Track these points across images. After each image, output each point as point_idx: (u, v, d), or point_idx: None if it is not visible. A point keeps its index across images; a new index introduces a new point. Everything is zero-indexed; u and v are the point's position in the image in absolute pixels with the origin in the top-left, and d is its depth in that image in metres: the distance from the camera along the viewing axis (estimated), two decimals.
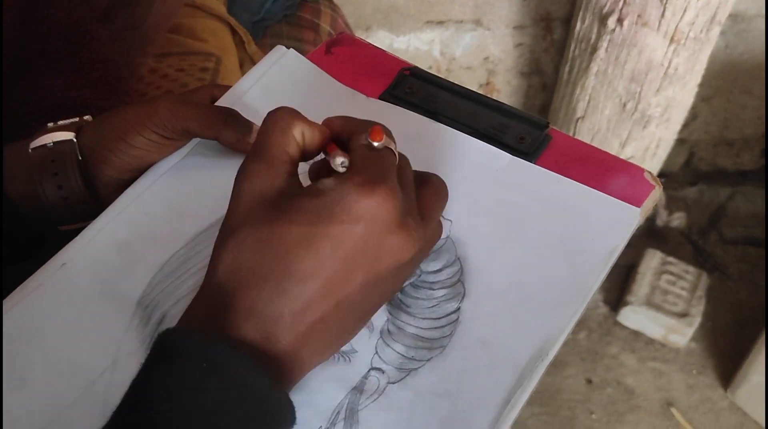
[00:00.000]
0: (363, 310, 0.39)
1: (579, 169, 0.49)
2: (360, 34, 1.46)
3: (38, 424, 0.42)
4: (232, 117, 0.50)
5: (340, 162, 0.38)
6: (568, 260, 0.45)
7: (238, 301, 0.36)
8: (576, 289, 0.44)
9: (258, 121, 0.53)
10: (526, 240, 0.47)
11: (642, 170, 0.49)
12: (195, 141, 0.53)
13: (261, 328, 0.36)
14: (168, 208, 0.50)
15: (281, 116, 0.40)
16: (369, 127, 0.39)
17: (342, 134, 0.41)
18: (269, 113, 0.40)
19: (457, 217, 0.48)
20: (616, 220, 0.46)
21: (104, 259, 0.48)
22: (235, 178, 0.39)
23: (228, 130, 0.50)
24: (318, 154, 0.42)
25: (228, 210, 0.39)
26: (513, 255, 0.46)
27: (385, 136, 0.39)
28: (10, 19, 0.70)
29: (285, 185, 0.38)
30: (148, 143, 0.50)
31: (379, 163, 0.38)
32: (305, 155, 0.41)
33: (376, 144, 0.39)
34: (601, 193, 0.48)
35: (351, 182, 0.36)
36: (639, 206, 0.47)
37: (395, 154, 0.40)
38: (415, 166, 0.52)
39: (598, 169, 0.49)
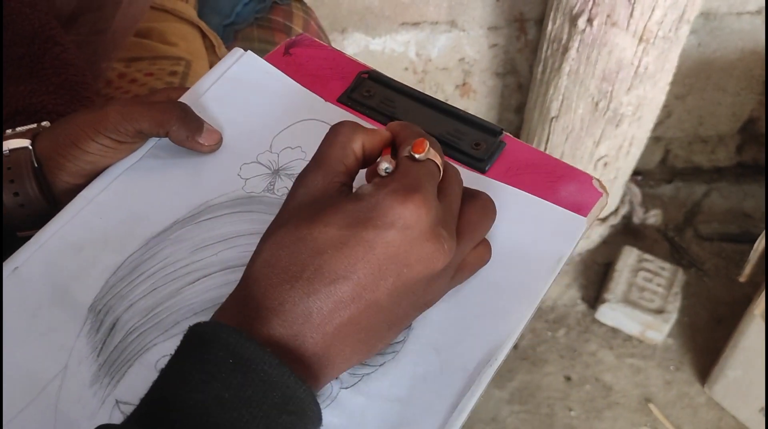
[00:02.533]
0: (393, 316, 0.39)
1: (530, 175, 0.50)
2: (335, 36, 1.47)
3: None
4: (182, 112, 0.51)
5: (384, 167, 0.40)
6: (517, 268, 0.46)
7: (269, 297, 0.37)
8: (524, 296, 0.45)
9: (216, 123, 0.53)
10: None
11: (590, 178, 0.50)
12: (150, 143, 0.53)
13: (290, 326, 0.37)
14: (122, 211, 0.50)
15: (342, 131, 0.42)
16: (414, 139, 0.41)
17: (397, 140, 0.43)
18: (331, 128, 0.42)
19: None
20: (563, 229, 0.47)
21: (57, 263, 0.48)
22: (294, 182, 0.41)
23: (178, 127, 0.50)
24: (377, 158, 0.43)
25: (279, 210, 0.41)
26: None
27: (428, 148, 0.40)
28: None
29: (336, 191, 0.40)
30: (101, 148, 0.50)
31: (416, 173, 0.39)
32: (367, 162, 0.43)
33: (417, 156, 0.40)
34: (548, 202, 0.49)
35: (387, 189, 0.38)
36: (587, 213, 0.48)
37: (438, 167, 0.41)
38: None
39: (548, 177, 0.50)
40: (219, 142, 0.52)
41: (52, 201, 0.51)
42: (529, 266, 0.46)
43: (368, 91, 0.55)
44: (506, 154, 0.52)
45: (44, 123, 0.53)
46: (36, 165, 0.50)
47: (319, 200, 0.39)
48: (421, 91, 0.55)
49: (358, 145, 0.42)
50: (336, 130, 0.42)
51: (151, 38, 0.90)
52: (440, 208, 0.39)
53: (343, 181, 0.41)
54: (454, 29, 1.49)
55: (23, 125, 0.53)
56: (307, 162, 0.51)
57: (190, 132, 0.51)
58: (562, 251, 0.46)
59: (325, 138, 0.42)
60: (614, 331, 1.56)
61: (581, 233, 0.47)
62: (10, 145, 0.50)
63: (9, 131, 0.52)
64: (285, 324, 0.37)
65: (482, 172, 0.51)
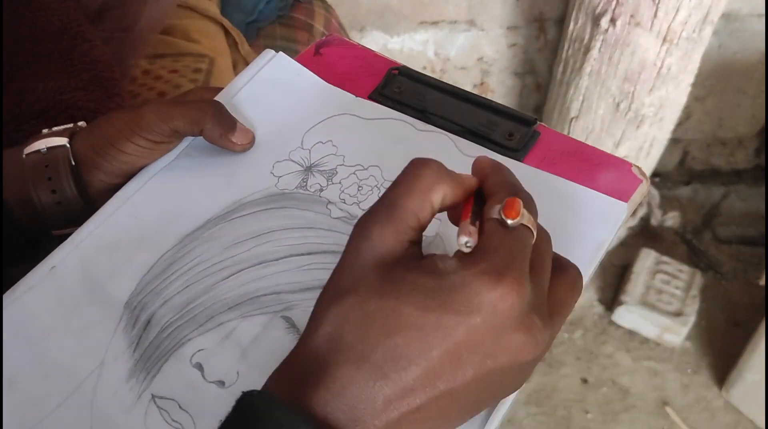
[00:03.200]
0: (469, 406, 0.35)
1: (567, 164, 0.50)
2: (354, 35, 1.46)
3: (25, 426, 0.42)
4: (216, 111, 0.51)
5: (464, 242, 0.34)
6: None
7: (331, 376, 0.33)
8: None
9: (248, 123, 0.54)
10: None
11: (629, 165, 0.49)
12: (185, 143, 0.53)
13: (350, 411, 0.32)
14: (157, 210, 0.50)
15: (424, 176, 0.36)
16: (507, 196, 0.35)
17: (485, 187, 0.37)
18: (409, 168, 0.36)
19: (446, 215, 0.48)
20: (603, 215, 0.47)
21: (93, 262, 0.48)
22: (353, 231, 0.35)
23: (212, 125, 0.50)
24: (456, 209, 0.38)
25: (339, 266, 0.35)
26: None
27: (522, 210, 0.34)
28: (1, 21, 0.70)
29: (405, 253, 0.34)
30: (137, 149, 0.51)
31: (509, 249, 0.33)
32: (442, 210, 0.37)
33: (510, 222, 0.34)
34: (587, 188, 0.48)
35: (475, 269, 0.32)
36: (627, 201, 0.47)
37: (532, 233, 0.35)
38: (399, 170, 0.52)
39: (586, 165, 0.50)
40: (252, 141, 0.52)
41: (88, 200, 0.51)
42: (570, 254, 0.45)
43: (399, 87, 0.55)
44: (541, 144, 0.51)
45: (81, 123, 0.53)
46: (73, 163, 0.51)
47: (389, 264, 0.34)
48: (451, 83, 0.54)
49: (438, 197, 0.36)
50: (417, 173, 0.36)
51: (174, 35, 0.90)
52: (533, 291, 0.33)
53: (413, 238, 0.35)
54: (473, 28, 1.49)
55: (55, 122, 0.54)
56: (339, 156, 0.52)
57: (223, 130, 0.51)
58: (603, 237, 0.46)
59: (399, 180, 0.36)
60: (631, 334, 1.55)
61: (623, 219, 0.47)
62: (48, 143, 0.51)
63: (45, 130, 0.52)
64: (346, 408, 0.32)
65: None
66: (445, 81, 0.55)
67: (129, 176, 0.52)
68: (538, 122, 0.52)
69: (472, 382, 0.33)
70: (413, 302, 0.32)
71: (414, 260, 0.34)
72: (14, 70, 0.69)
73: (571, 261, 0.42)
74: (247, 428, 0.32)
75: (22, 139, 0.55)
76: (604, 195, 0.48)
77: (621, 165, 0.49)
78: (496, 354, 0.33)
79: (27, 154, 0.51)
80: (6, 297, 0.47)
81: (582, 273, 0.44)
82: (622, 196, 0.48)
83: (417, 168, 0.36)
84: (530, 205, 0.36)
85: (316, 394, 0.32)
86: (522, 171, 0.49)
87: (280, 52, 0.58)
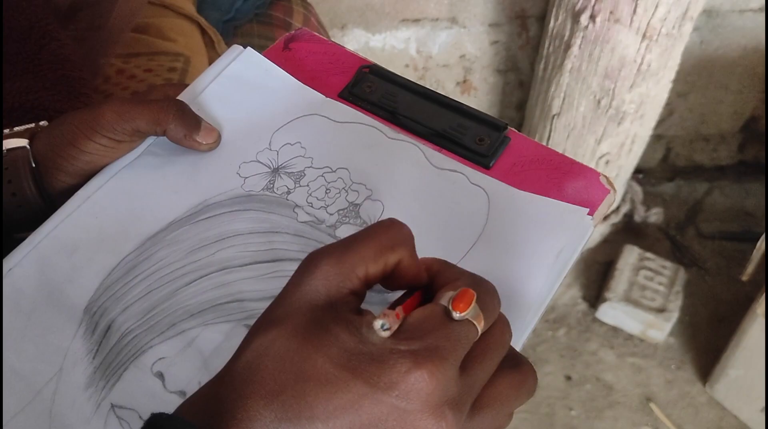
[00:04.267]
0: None
1: (536, 172, 0.49)
2: (335, 33, 1.46)
3: None
4: (179, 111, 0.50)
5: (380, 325, 0.32)
6: (518, 269, 0.45)
7: (240, 407, 0.32)
8: (529, 298, 0.43)
9: (215, 121, 0.52)
10: (479, 251, 0.46)
11: (597, 174, 0.49)
12: (148, 140, 0.52)
13: None
14: (118, 211, 0.49)
15: (390, 231, 0.35)
16: (462, 285, 0.34)
17: (438, 280, 0.36)
18: (383, 221, 0.35)
19: (413, 225, 0.47)
20: (569, 227, 0.46)
21: (51, 264, 0.47)
22: (303, 260, 0.35)
23: (175, 125, 0.49)
24: (402, 289, 0.37)
25: (279, 294, 0.34)
26: (465, 264, 0.45)
27: (473, 305, 0.33)
28: None
29: (342, 300, 0.33)
30: (98, 147, 0.49)
31: (442, 337, 0.32)
32: (390, 283, 0.36)
33: (456, 315, 0.32)
34: (553, 199, 0.47)
35: (401, 345, 0.31)
36: (594, 210, 0.47)
37: (476, 330, 0.33)
38: (367, 174, 0.50)
39: (555, 173, 0.49)
40: (217, 140, 0.51)
41: (50, 201, 0.50)
42: (530, 265, 0.45)
43: (369, 86, 0.54)
44: (511, 150, 0.51)
45: (42, 123, 0.52)
46: (33, 165, 0.49)
47: (322, 307, 0.33)
48: (423, 85, 0.54)
49: (394, 258, 0.35)
50: (385, 228, 0.35)
51: (149, 34, 0.89)
52: (458, 385, 0.32)
53: (356, 288, 0.34)
54: (455, 26, 1.48)
55: (19, 123, 0.52)
56: (307, 158, 0.51)
57: (187, 130, 0.50)
58: (561, 243, 0.45)
59: (367, 229, 0.35)
60: (615, 330, 1.55)
61: (589, 231, 0.46)
62: (7, 144, 0.50)
63: (6, 131, 0.51)
64: None
65: (486, 167, 0.50)
66: (425, 80, 0.55)
67: (90, 176, 0.51)
68: (509, 128, 0.51)
69: None
70: (330, 356, 0.31)
71: (347, 312, 0.33)
72: None
73: (537, 276, 0.42)
74: None
75: None
76: (565, 204, 0.47)
77: (589, 174, 0.49)
78: None
79: None
80: None
81: (550, 285, 0.44)
82: (589, 205, 0.47)
83: (389, 222, 0.35)
84: (487, 298, 0.34)
85: (226, 423, 0.32)
86: (486, 183, 0.49)
87: (248, 48, 0.56)
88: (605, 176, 0.48)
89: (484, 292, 0.34)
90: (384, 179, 0.49)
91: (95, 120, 0.49)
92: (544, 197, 0.48)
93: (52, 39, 0.68)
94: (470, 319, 0.33)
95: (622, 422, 1.44)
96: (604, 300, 1.52)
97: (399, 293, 0.37)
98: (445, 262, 0.37)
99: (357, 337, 0.32)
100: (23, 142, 0.50)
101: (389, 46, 1.49)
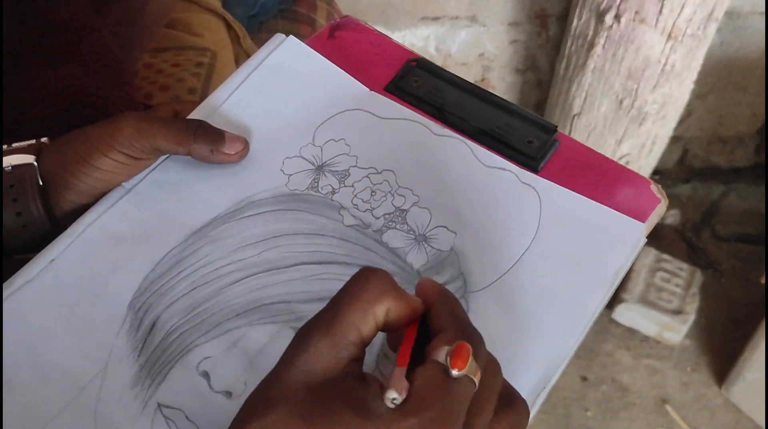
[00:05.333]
0: None
1: (586, 177, 0.48)
2: None
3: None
4: (201, 129, 0.48)
5: (391, 398, 0.31)
6: (573, 281, 0.44)
7: None
8: (579, 313, 0.43)
9: (254, 114, 0.51)
10: (531, 257, 0.45)
11: (648, 182, 0.48)
12: None
13: None
14: (161, 203, 0.48)
15: (369, 287, 0.34)
16: (456, 338, 0.32)
17: (431, 315, 0.35)
18: (356, 276, 0.34)
19: (462, 230, 0.47)
20: (621, 238, 0.45)
21: (94, 255, 0.46)
22: (292, 341, 0.34)
23: (199, 144, 0.48)
24: (400, 329, 0.35)
25: (271, 372, 0.33)
26: (517, 271, 0.45)
27: (470, 360, 0.32)
28: (8, 13, 0.68)
29: (341, 373, 0.32)
30: (114, 164, 0.47)
31: (446, 405, 0.31)
32: (385, 329, 0.35)
33: (454, 372, 0.31)
34: (607, 208, 0.46)
35: (404, 423, 0.30)
36: (644, 219, 0.46)
37: (474, 384, 0.32)
38: (414, 178, 0.49)
39: (604, 179, 0.48)
40: (246, 148, 0.50)
41: (55, 222, 0.48)
42: (585, 280, 0.44)
43: (416, 80, 0.53)
44: (560, 153, 0.50)
45: (44, 139, 0.49)
46: (41, 183, 0.47)
47: (320, 385, 0.32)
48: (472, 82, 0.53)
49: (381, 311, 0.33)
50: (362, 283, 0.34)
51: (176, 29, 0.89)
52: None
53: (352, 354, 0.33)
54: (475, 24, 1.48)
55: (63, 107, 0.51)
56: (351, 157, 0.50)
57: (212, 145, 0.48)
58: (620, 262, 0.44)
59: (344, 289, 0.34)
60: (631, 332, 1.54)
61: (641, 243, 0.45)
62: (12, 160, 0.47)
63: (6, 147, 0.48)
64: None
65: (535, 171, 0.49)
66: (464, 78, 0.53)
67: (101, 196, 0.48)
68: (558, 130, 0.50)
69: None
70: None
71: (348, 383, 0.32)
72: (21, 61, 0.68)
73: (586, 287, 0.41)
74: None
75: (28, 122, 0.52)
76: (623, 216, 0.46)
77: (639, 182, 0.48)
78: None
79: None
80: (3, 289, 0.44)
81: (599, 297, 0.43)
82: (640, 214, 0.46)
83: (363, 277, 0.34)
84: (477, 347, 0.33)
85: None
86: (540, 186, 0.48)
87: (291, 36, 0.55)
88: (656, 184, 0.47)
89: (477, 341, 0.33)
90: (431, 184, 0.49)
91: (112, 135, 0.46)
92: (601, 205, 0.47)
93: (92, 30, 0.67)
94: (469, 375, 0.32)
95: (638, 424, 1.43)
96: (621, 301, 1.51)
97: None
98: (438, 294, 0.35)
99: (362, 414, 0.31)
100: (30, 159, 0.47)
101: (408, 44, 1.49)
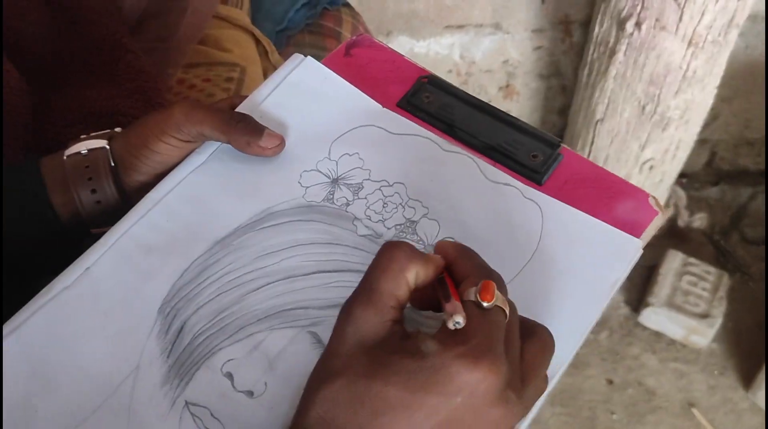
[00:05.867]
0: None
1: (587, 190, 0.51)
2: (380, 40, 1.48)
3: (69, 424, 0.43)
4: (244, 121, 0.52)
5: (453, 323, 0.35)
6: (570, 293, 0.46)
7: None
8: (577, 323, 0.45)
9: (276, 128, 0.54)
10: (533, 268, 0.48)
11: (647, 196, 0.50)
12: (213, 146, 0.54)
13: None
14: (187, 214, 0.51)
15: (396, 258, 0.38)
16: (478, 278, 0.37)
17: (454, 270, 0.40)
18: (383, 250, 0.39)
19: (468, 241, 0.49)
20: (617, 252, 0.48)
21: (127, 264, 0.49)
22: (339, 315, 0.38)
23: (239, 134, 0.52)
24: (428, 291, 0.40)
25: (327, 348, 0.37)
26: (519, 282, 0.47)
27: (496, 292, 0.37)
28: (44, 32, 0.72)
29: (389, 334, 0.37)
30: (168, 148, 0.53)
31: (486, 331, 0.35)
32: (414, 294, 0.39)
33: (485, 304, 0.36)
34: (605, 224, 0.49)
35: (455, 351, 0.34)
36: (641, 231, 0.49)
37: (505, 313, 0.37)
38: (424, 191, 0.51)
39: (605, 193, 0.51)
40: (282, 145, 0.53)
41: (126, 199, 0.54)
42: (583, 291, 0.46)
43: (428, 97, 0.55)
44: (563, 167, 0.52)
45: (117, 129, 0.56)
46: (113, 164, 0.53)
47: (374, 346, 0.36)
48: (479, 98, 0.55)
49: (412, 276, 0.38)
50: (389, 256, 0.38)
51: (207, 45, 0.92)
52: (509, 368, 0.35)
53: (395, 317, 0.37)
54: (499, 32, 1.49)
55: (98, 127, 0.56)
56: (365, 170, 0.53)
57: (251, 137, 0.52)
58: (616, 276, 0.47)
59: (375, 263, 0.39)
60: (657, 335, 1.54)
61: (636, 257, 0.48)
62: (88, 145, 0.53)
63: (84, 136, 0.55)
64: None
65: (539, 184, 0.51)
66: (468, 85, 0.56)
67: (162, 175, 0.54)
68: (562, 145, 0.53)
69: None
70: (398, 383, 0.34)
71: (397, 340, 0.36)
72: (59, 80, 0.72)
73: (583, 298, 0.44)
74: None
75: (68, 143, 0.57)
76: (619, 231, 0.49)
77: (639, 195, 0.50)
78: None
79: (68, 156, 0.53)
80: (41, 296, 0.48)
81: (596, 309, 0.46)
82: (637, 228, 0.49)
83: (389, 252, 0.39)
84: (501, 285, 0.38)
85: None
86: (541, 200, 0.50)
87: (308, 57, 0.58)
88: (654, 198, 0.50)
89: (497, 279, 0.38)
90: (439, 196, 0.51)
91: (165, 121, 0.52)
92: (599, 221, 0.49)
93: (127, 51, 0.71)
94: (498, 305, 0.37)
95: (664, 427, 1.44)
96: (647, 305, 1.52)
97: None
98: (455, 246, 0.40)
99: (415, 357, 0.35)
100: (103, 143, 0.53)
101: (433, 52, 1.51)
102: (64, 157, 0.53)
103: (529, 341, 0.38)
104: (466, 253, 0.40)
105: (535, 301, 0.46)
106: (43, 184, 0.52)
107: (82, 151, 0.53)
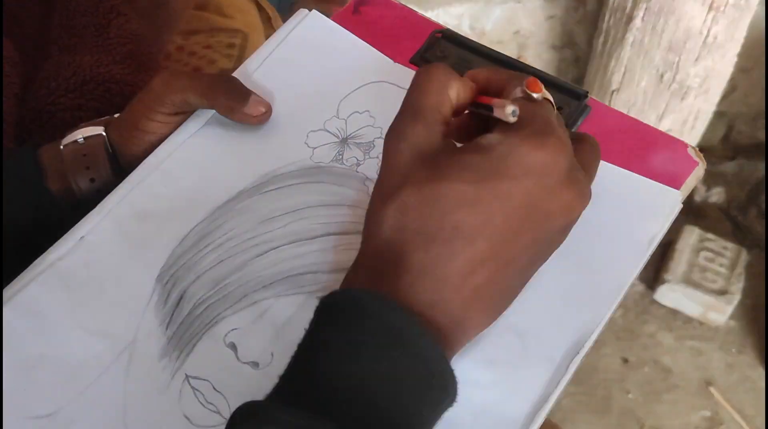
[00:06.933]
0: (529, 271, 0.37)
1: (619, 143, 0.47)
2: None
3: (57, 405, 0.41)
4: (228, 84, 0.49)
5: (511, 111, 0.35)
6: (606, 249, 0.43)
7: (406, 263, 0.34)
8: (613, 280, 0.42)
9: (279, 88, 0.51)
10: None
11: (685, 145, 0.47)
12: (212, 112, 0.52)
13: (431, 293, 0.34)
14: (187, 180, 0.49)
15: (437, 76, 0.38)
16: (523, 78, 0.37)
17: (489, 88, 0.39)
18: (423, 70, 0.38)
19: None
20: (655, 206, 0.44)
21: (123, 232, 0.47)
22: (386, 138, 0.37)
23: (223, 98, 0.49)
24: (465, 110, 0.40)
25: (382, 171, 0.37)
26: None
27: (542, 87, 0.37)
28: None
29: (443, 144, 0.37)
30: (157, 125, 0.50)
31: (544, 115, 0.35)
32: (456, 113, 0.39)
33: (535, 95, 0.36)
34: (639, 176, 0.45)
35: (519, 135, 0.34)
36: (681, 183, 0.45)
37: (553, 105, 0.37)
38: None
39: (638, 144, 0.47)
40: (268, 113, 0.50)
41: None
42: (619, 247, 0.43)
43: (442, 51, 0.53)
44: (591, 119, 0.49)
45: (116, 115, 0.54)
46: (111, 150, 0.51)
47: (431, 154, 0.35)
48: (497, 50, 0.52)
49: (453, 92, 0.38)
50: (429, 75, 0.38)
51: (208, 11, 0.89)
52: (572, 151, 0.36)
53: (443, 131, 0.37)
54: (510, 1, 1.45)
55: (92, 95, 0.57)
56: (376, 128, 0.50)
57: (236, 103, 0.49)
58: (655, 231, 0.43)
59: (414, 84, 0.38)
60: (674, 313, 1.51)
61: (676, 210, 0.44)
62: (85, 132, 0.51)
63: (82, 125, 0.53)
64: (426, 291, 0.34)
65: None
66: (490, 47, 0.53)
67: None
68: (589, 96, 0.49)
69: (532, 245, 0.35)
70: (466, 179, 0.34)
71: (454, 146, 0.37)
72: (48, 45, 0.69)
73: (620, 255, 0.43)
74: (339, 323, 0.33)
75: (59, 113, 0.55)
76: (656, 183, 0.45)
77: (676, 145, 0.47)
78: (551, 213, 0.35)
79: (65, 145, 0.51)
80: (36, 264, 0.46)
81: (633, 268, 0.42)
82: (676, 179, 0.45)
83: (428, 71, 0.38)
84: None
85: (396, 284, 0.34)
86: None
87: (314, 10, 0.55)
88: (693, 148, 0.46)
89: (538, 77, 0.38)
90: None
91: (147, 96, 0.50)
92: (632, 173, 0.46)
93: (119, 14, 0.68)
94: (546, 97, 0.37)
95: (681, 406, 1.41)
96: (663, 282, 1.49)
97: None
98: (488, 69, 0.40)
99: (479, 149, 0.35)
100: (99, 130, 0.52)
101: (442, 22, 1.46)
102: (61, 147, 0.51)
103: (578, 143, 0.38)
104: (498, 69, 0.40)
105: (566, 261, 0.42)
106: (41, 176, 0.51)
107: (79, 140, 0.51)
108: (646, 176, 0.46)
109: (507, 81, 0.38)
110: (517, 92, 0.37)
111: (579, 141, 0.39)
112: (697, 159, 0.46)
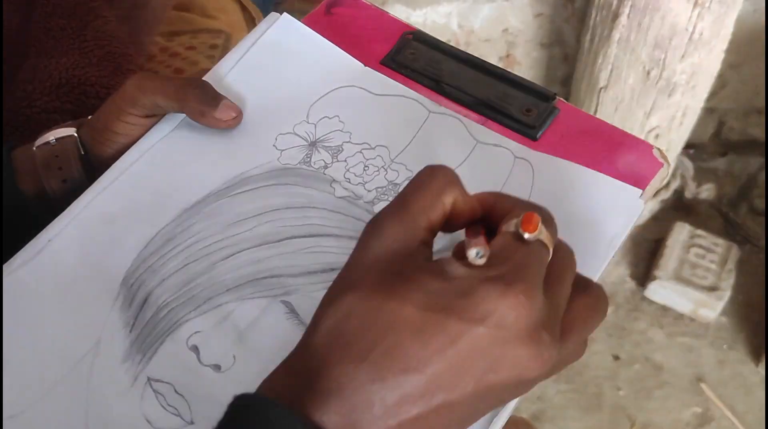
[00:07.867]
0: (465, 417, 0.33)
1: (585, 144, 0.47)
2: None
3: (21, 406, 0.42)
4: (198, 88, 0.49)
5: (474, 253, 0.32)
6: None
7: (327, 376, 0.31)
8: None
9: (249, 92, 0.51)
10: None
11: (650, 147, 0.47)
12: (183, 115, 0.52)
13: (347, 414, 0.31)
14: (155, 182, 0.49)
15: (436, 176, 0.35)
16: (522, 211, 0.34)
17: (494, 212, 0.36)
18: (424, 170, 0.36)
19: None
20: (619, 205, 0.44)
21: (90, 235, 0.47)
22: (365, 227, 0.35)
23: (193, 102, 0.49)
24: (461, 228, 0.37)
25: (348, 261, 0.34)
26: None
27: (540, 226, 0.33)
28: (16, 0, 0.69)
29: (414, 253, 0.34)
30: (128, 127, 0.50)
31: (522, 259, 0.32)
32: (448, 226, 0.36)
33: (526, 235, 0.33)
34: (603, 175, 0.46)
35: (483, 276, 0.31)
36: (646, 184, 0.45)
37: (548, 250, 0.34)
38: (408, 153, 0.48)
39: (605, 145, 0.47)
40: (239, 118, 0.50)
41: None
42: (584, 247, 0.42)
43: (413, 53, 0.52)
44: (559, 121, 0.49)
45: (90, 117, 0.53)
46: (83, 152, 0.51)
47: (397, 262, 0.33)
48: (468, 52, 0.52)
49: (449, 199, 0.35)
50: (429, 174, 0.35)
51: (191, 11, 0.90)
52: (545, 306, 0.32)
53: (424, 238, 0.34)
54: None
55: (68, 98, 0.56)
56: (345, 133, 0.50)
57: (206, 107, 0.49)
58: (616, 230, 0.43)
59: (413, 181, 0.35)
60: (665, 309, 1.51)
61: (639, 210, 0.44)
62: (57, 134, 0.51)
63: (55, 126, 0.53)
64: (342, 411, 0.31)
65: (533, 139, 0.48)
66: (461, 49, 0.53)
67: None
68: (558, 98, 0.49)
69: (472, 394, 0.31)
70: (417, 302, 0.31)
71: (422, 261, 0.33)
72: (26, 47, 0.69)
73: (589, 261, 0.40)
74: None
75: (35, 115, 0.55)
76: (620, 182, 0.45)
77: (641, 146, 0.47)
78: (499, 367, 0.31)
79: (37, 147, 0.51)
80: (5, 267, 0.46)
81: (598, 267, 0.42)
82: (641, 180, 0.45)
83: (430, 170, 0.35)
84: (549, 222, 0.34)
85: (313, 396, 0.31)
86: (533, 157, 0.47)
87: (285, 13, 0.55)
88: (658, 149, 0.46)
89: (546, 214, 0.35)
90: (425, 159, 0.48)
91: (121, 98, 0.49)
92: (593, 171, 0.46)
93: (98, 16, 0.69)
94: (541, 239, 0.33)
95: (672, 402, 1.41)
96: (654, 278, 1.48)
97: None
98: (498, 194, 0.37)
99: (441, 276, 0.32)
100: (71, 131, 0.51)
101: (430, 21, 1.47)
102: (34, 148, 0.51)
103: (580, 295, 0.35)
104: (507, 196, 0.37)
105: None
106: (14, 179, 0.51)
107: (51, 141, 0.51)
108: (612, 177, 0.46)
109: (511, 210, 0.35)
110: (511, 226, 0.34)
111: (584, 289, 0.35)
112: (661, 160, 0.46)
